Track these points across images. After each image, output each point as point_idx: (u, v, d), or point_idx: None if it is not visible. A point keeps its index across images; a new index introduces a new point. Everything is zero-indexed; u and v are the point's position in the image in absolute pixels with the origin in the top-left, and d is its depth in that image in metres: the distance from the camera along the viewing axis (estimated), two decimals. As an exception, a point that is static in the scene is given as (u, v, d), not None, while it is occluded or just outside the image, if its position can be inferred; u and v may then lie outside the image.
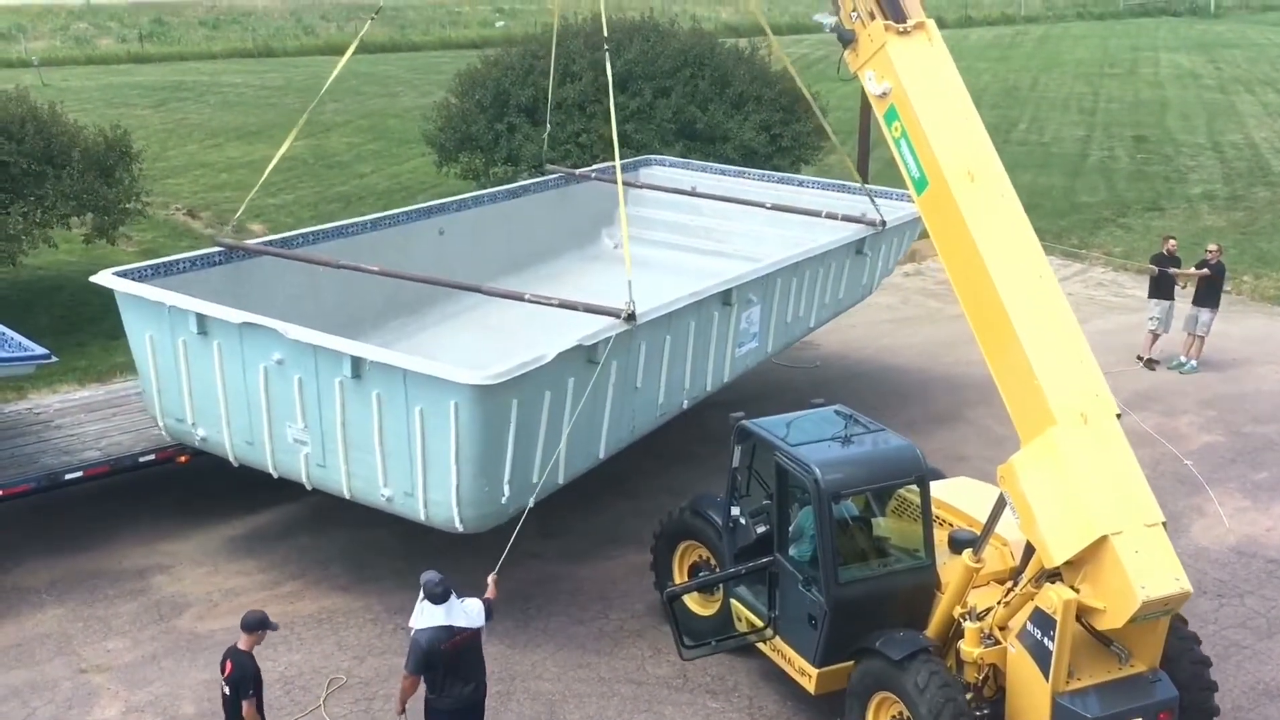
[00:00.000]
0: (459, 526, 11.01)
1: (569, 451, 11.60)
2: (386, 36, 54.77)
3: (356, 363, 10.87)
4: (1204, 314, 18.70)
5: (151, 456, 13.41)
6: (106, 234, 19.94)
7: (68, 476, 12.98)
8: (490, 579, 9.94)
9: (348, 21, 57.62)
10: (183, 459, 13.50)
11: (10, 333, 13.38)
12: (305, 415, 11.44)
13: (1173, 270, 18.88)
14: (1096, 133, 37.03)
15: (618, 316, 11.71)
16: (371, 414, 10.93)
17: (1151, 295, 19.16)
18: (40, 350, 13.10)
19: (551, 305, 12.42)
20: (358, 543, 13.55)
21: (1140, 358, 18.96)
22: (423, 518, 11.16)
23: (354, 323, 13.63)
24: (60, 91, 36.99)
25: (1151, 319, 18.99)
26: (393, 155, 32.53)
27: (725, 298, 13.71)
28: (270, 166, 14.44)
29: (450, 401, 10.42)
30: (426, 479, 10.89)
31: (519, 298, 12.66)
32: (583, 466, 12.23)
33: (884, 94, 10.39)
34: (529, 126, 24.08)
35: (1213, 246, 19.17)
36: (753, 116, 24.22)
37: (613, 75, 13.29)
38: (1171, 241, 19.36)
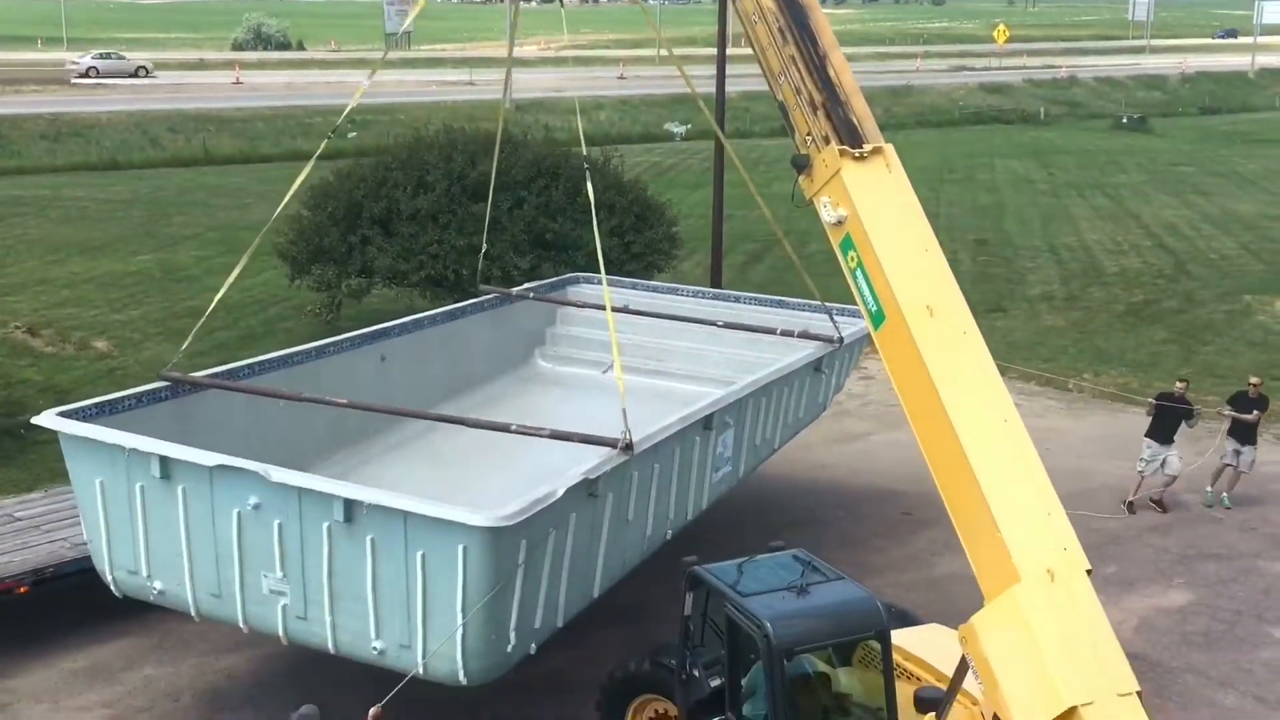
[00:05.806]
0: (462, 680, 10.28)
1: (567, 591, 11.07)
2: (235, 148, 54.19)
3: (350, 505, 10.08)
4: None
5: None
6: (-60, 354, 19.18)
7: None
8: (373, 713, 9.05)
9: (195, 134, 56.92)
10: (22, 589, 12.89)
11: None
12: (285, 564, 10.54)
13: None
14: (939, 235, 37.94)
15: (614, 447, 11.12)
16: (365, 561, 10.17)
17: (1149, 435, 17.88)
18: None
19: (542, 436, 11.83)
20: (209, 671, 13.03)
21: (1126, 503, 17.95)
22: (421, 671, 10.21)
23: (301, 456, 12.47)
24: (-109, 207, 35.75)
25: (1142, 461, 17.91)
26: (244, 268, 31.94)
27: (706, 422, 13.24)
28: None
29: (458, 545, 9.74)
30: (427, 629, 10.15)
31: (505, 429, 12.08)
32: (579, 606, 11.59)
33: (839, 222, 9.88)
34: (382, 238, 24.00)
35: (1255, 379, 18.56)
36: (605, 223, 24.42)
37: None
38: (1181, 384, 18.30)
